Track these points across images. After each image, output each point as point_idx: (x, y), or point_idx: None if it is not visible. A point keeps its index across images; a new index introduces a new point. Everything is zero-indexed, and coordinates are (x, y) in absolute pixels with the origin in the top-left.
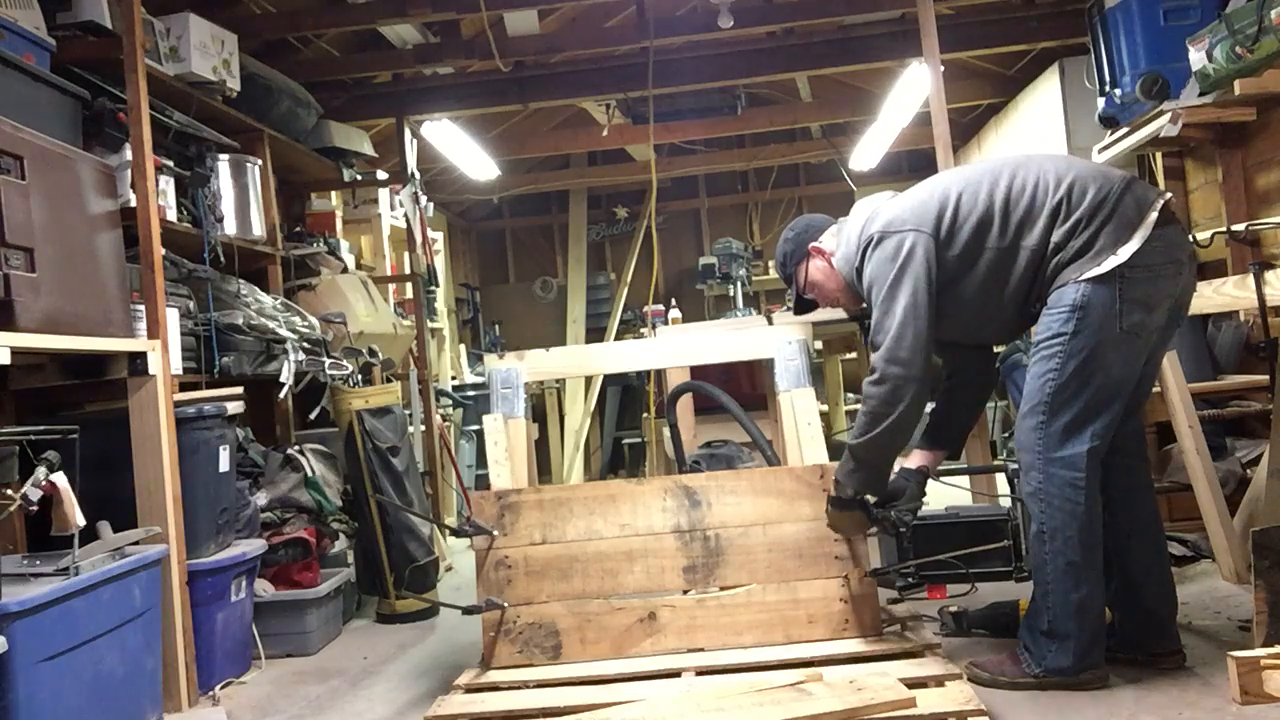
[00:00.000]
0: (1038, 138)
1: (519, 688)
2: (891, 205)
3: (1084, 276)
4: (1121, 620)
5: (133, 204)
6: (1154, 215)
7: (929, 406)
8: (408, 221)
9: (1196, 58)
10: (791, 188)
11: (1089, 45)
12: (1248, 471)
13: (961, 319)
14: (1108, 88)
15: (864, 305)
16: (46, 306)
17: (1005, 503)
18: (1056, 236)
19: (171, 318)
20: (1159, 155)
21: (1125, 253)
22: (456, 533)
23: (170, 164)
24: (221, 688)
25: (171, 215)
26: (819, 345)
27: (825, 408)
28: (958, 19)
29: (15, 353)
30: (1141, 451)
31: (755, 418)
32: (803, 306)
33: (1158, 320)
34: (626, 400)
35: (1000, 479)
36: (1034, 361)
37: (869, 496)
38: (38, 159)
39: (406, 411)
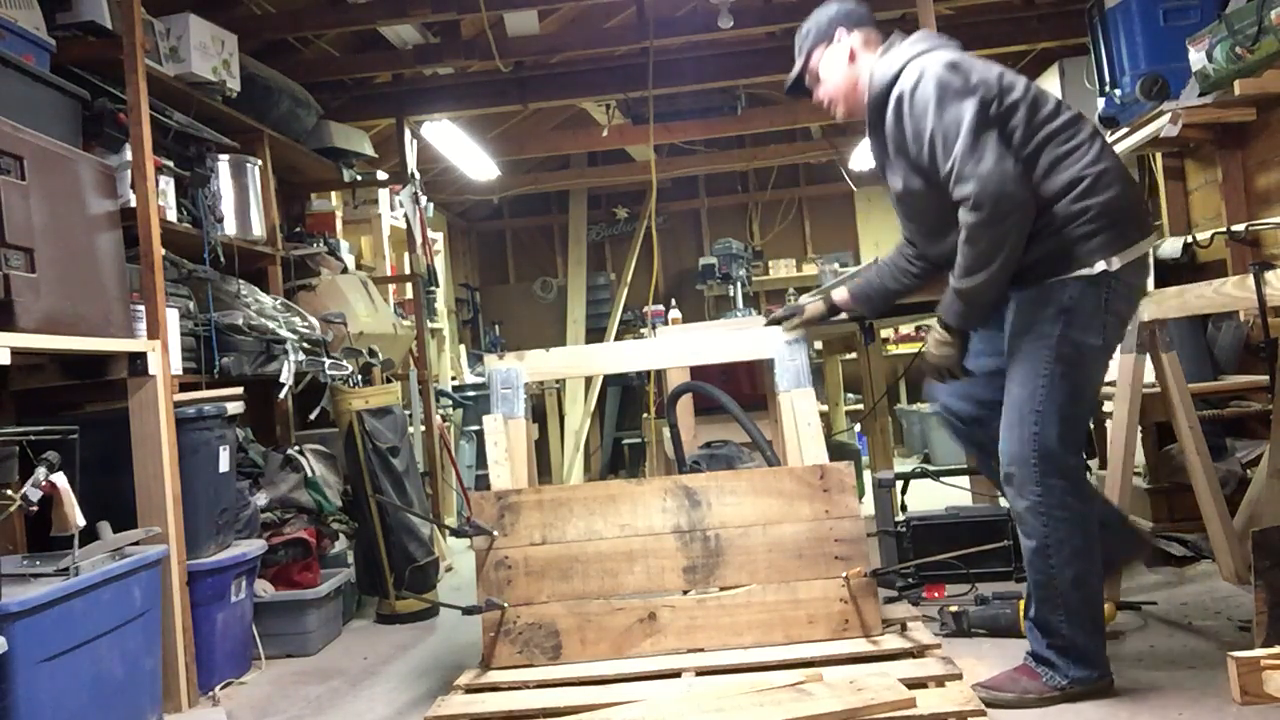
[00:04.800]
0: None
1: (519, 688)
2: (948, 54)
3: (1075, 274)
4: None
5: (133, 204)
6: (1152, 236)
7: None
8: (408, 222)
9: (1196, 58)
10: (791, 188)
11: (1089, 45)
12: (1248, 471)
13: (930, 221)
14: (1108, 88)
15: (854, 119)
16: (46, 307)
17: (1005, 503)
18: (1065, 206)
19: (171, 318)
20: (1159, 155)
21: (1117, 262)
22: (456, 533)
23: (170, 164)
24: (221, 688)
25: (171, 215)
26: (819, 345)
27: (825, 408)
28: (958, 19)
29: (15, 353)
30: None
31: (755, 418)
32: (798, 88)
33: (1118, 342)
34: (626, 400)
35: None
36: (1017, 361)
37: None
38: (38, 159)
39: (406, 412)
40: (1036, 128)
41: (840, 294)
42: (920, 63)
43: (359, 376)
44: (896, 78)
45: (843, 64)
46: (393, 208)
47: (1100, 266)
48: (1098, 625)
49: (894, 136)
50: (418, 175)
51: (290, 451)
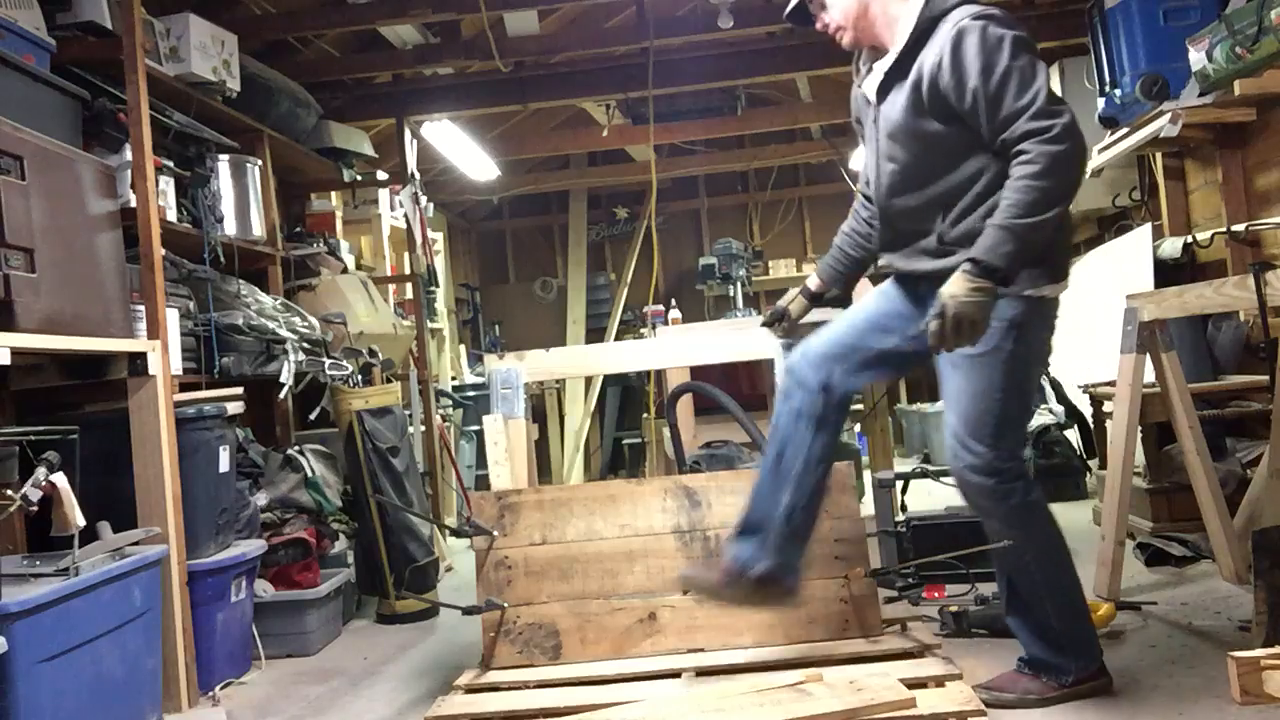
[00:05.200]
0: None
1: (519, 688)
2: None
3: (1026, 292)
4: None
5: (133, 204)
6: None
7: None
8: (408, 222)
9: (1196, 58)
10: (791, 188)
11: (1089, 45)
12: (1248, 471)
13: (924, 168)
14: (1108, 88)
15: (859, 48)
16: (47, 307)
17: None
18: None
19: (171, 318)
20: (1159, 155)
21: (1058, 290)
22: (456, 533)
23: (170, 164)
24: (221, 688)
25: (171, 215)
26: None
27: None
28: None
29: (15, 353)
30: None
31: (755, 418)
32: (799, 15)
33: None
34: (626, 400)
35: None
36: (968, 370)
37: None
38: (38, 159)
39: (406, 412)
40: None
41: (813, 280)
42: (986, 11)
43: (359, 376)
44: (957, 7)
45: None
46: (393, 208)
47: (1049, 291)
48: (1082, 610)
49: (930, 70)
50: (418, 175)
51: (290, 451)
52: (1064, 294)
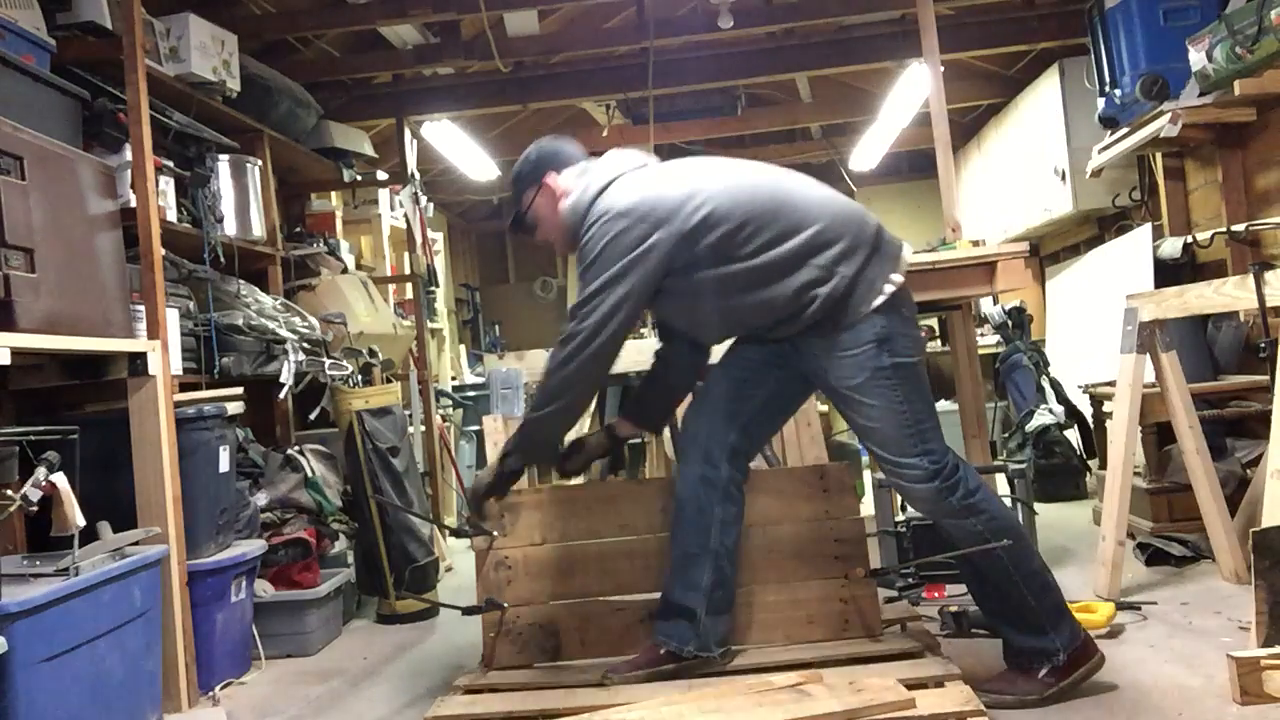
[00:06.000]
0: (1038, 138)
1: (519, 688)
2: (640, 184)
3: (871, 308)
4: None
5: (133, 204)
6: (906, 256)
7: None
8: (408, 222)
9: (1196, 58)
10: None
11: (1089, 45)
12: (1248, 471)
13: (684, 311)
14: (1108, 88)
15: (572, 253)
16: (46, 307)
17: (1005, 503)
18: (820, 260)
19: (171, 318)
20: (1159, 155)
21: (898, 279)
22: (456, 533)
23: (170, 164)
24: (221, 688)
25: (171, 216)
26: None
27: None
28: (958, 19)
29: (15, 353)
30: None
31: None
32: (519, 227)
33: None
34: (626, 400)
35: (1000, 479)
36: (863, 401)
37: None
38: (38, 159)
39: (406, 412)
40: (740, 228)
41: (624, 427)
42: (604, 201)
43: (359, 376)
44: (587, 210)
45: (552, 209)
46: (393, 208)
47: (888, 289)
48: (1051, 583)
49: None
50: (418, 175)
51: (290, 451)
52: (906, 295)
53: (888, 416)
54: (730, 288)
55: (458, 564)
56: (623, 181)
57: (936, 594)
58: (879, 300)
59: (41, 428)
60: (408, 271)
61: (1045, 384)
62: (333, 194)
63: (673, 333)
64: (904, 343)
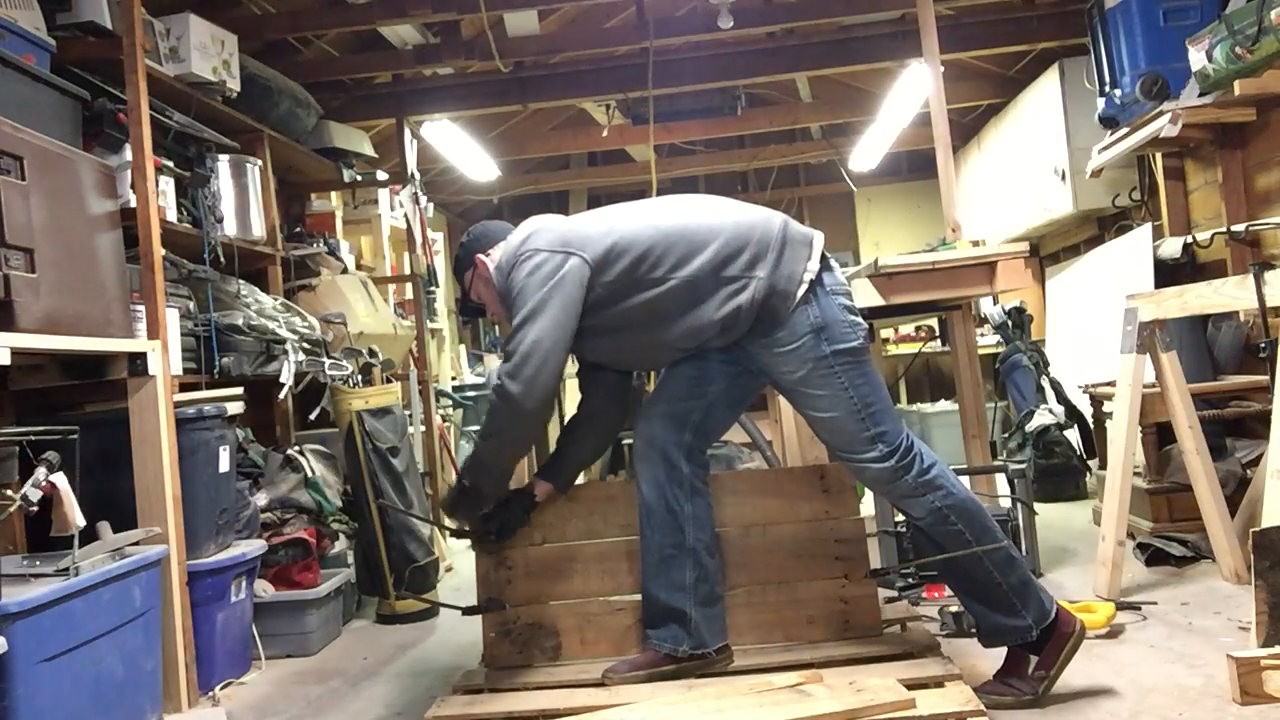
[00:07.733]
0: (1038, 138)
1: (519, 688)
2: (553, 226)
3: (798, 300)
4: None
5: (133, 204)
6: (819, 237)
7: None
8: (408, 222)
9: (1196, 58)
10: (791, 188)
11: (1089, 45)
12: (1248, 471)
13: (615, 348)
14: (1108, 88)
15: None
16: (46, 307)
17: (1005, 503)
18: (731, 270)
19: (171, 318)
20: (1159, 155)
21: (815, 265)
22: (456, 533)
23: (170, 164)
24: (221, 688)
25: (171, 216)
26: None
27: None
28: (958, 19)
29: (15, 353)
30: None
31: (755, 418)
32: (468, 310)
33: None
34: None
35: (1000, 479)
36: (810, 394)
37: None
38: (38, 159)
39: (406, 412)
40: (649, 251)
41: (541, 486)
42: (524, 247)
43: (359, 376)
44: (511, 264)
45: (488, 282)
46: (393, 208)
47: (807, 277)
48: (1017, 558)
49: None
50: (418, 175)
51: (290, 451)
52: (832, 276)
53: (837, 405)
54: (653, 317)
55: (458, 564)
56: (542, 229)
57: (936, 594)
58: (802, 290)
59: (41, 428)
60: (408, 271)
61: (1045, 384)
62: (333, 194)
63: (596, 382)
64: (840, 329)
